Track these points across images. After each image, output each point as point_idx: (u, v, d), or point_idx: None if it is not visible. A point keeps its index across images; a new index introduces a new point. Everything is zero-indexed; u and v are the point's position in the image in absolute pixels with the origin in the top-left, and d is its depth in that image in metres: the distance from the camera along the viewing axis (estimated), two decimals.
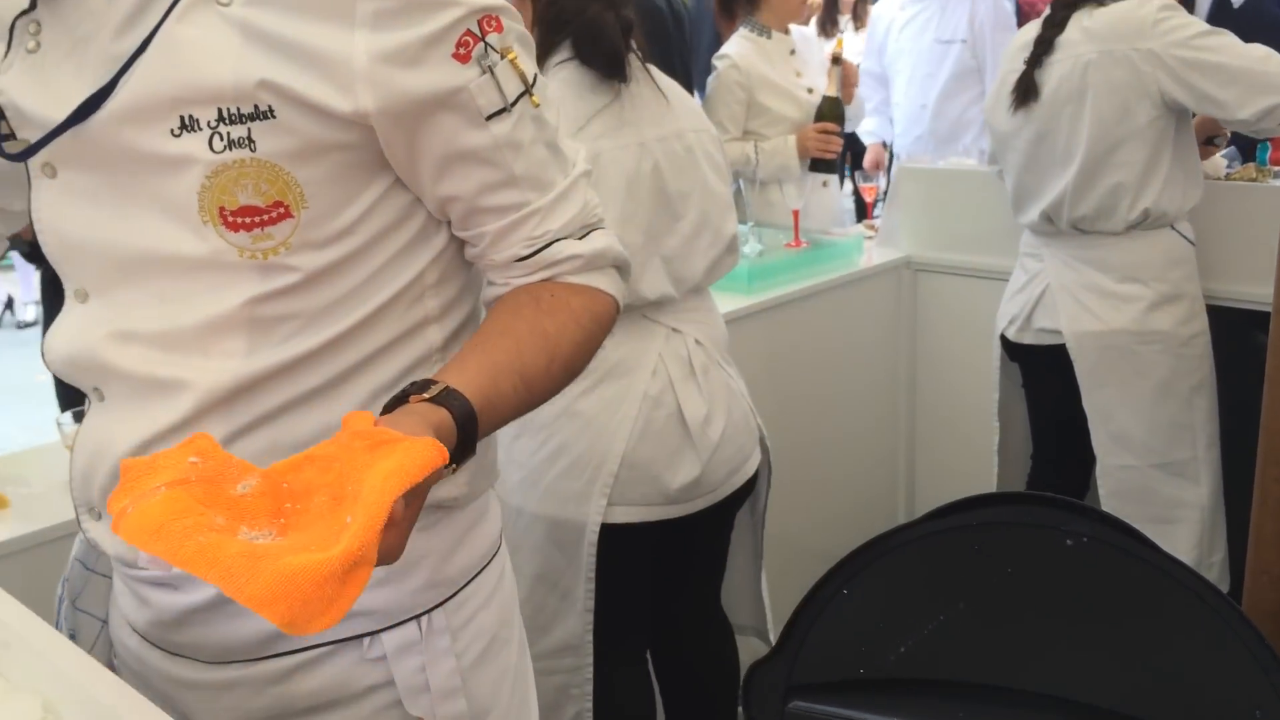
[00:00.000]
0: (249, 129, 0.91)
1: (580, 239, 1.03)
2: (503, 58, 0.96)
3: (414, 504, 0.79)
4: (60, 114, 0.95)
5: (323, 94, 0.91)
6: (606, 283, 1.05)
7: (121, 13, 0.93)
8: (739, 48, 3.10)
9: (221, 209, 0.93)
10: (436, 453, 0.76)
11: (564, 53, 1.75)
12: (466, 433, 0.86)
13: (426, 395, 0.86)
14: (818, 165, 3.01)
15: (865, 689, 1.26)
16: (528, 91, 0.98)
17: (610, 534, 1.78)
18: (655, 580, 1.89)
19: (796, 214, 2.82)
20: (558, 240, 1.01)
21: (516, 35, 0.98)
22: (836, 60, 3.00)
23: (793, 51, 3.16)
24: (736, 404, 1.87)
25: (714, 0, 3.33)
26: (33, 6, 0.97)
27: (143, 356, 0.97)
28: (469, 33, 0.93)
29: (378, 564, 0.73)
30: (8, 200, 1.12)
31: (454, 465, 0.85)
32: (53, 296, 2.37)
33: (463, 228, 1.03)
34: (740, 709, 1.76)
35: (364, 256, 0.99)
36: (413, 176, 0.99)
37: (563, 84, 1.73)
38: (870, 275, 2.92)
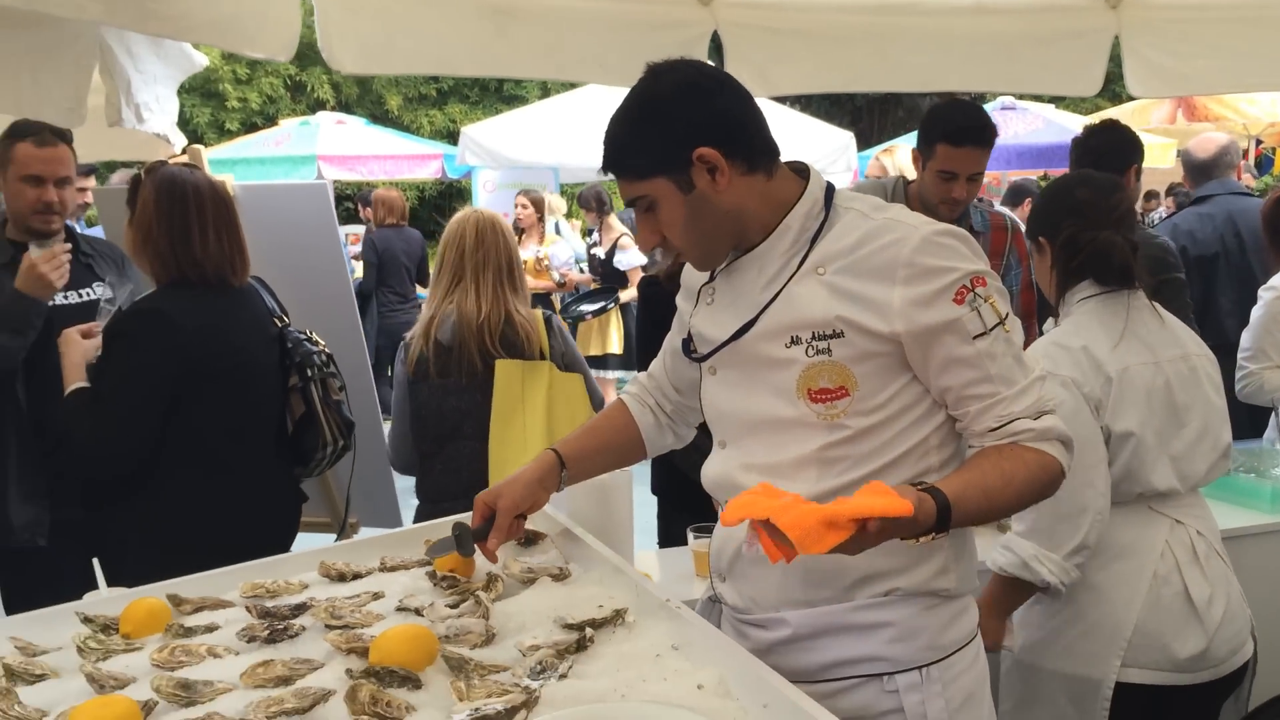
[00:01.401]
0: (829, 344, 1.56)
1: (1034, 419, 1.54)
2: (985, 301, 1.53)
3: (882, 532, 1.35)
4: (723, 335, 1.66)
5: (873, 323, 1.53)
6: (1052, 449, 1.55)
7: (764, 280, 1.62)
8: None
9: (809, 390, 1.58)
10: (903, 506, 1.33)
11: (1083, 291, 2.18)
12: (942, 514, 1.41)
13: (921, 487, 1.45)
14: None
15: None
16: (1001, 323, 1.54)
17: (1122, 693, 2.08)
18: None
19: None
20: (1018, 419, 1.54)
21: (995, 289, 1.56)
22: None
23: None
24: (1234, 590, 2.13)
25: (1263, 235, 3.50)
26: (711, 279, 1.71)
27: (756, 480, 1.60)
28: (963, 286, 1.53)
29: (842, 551, 1.33)
30: (692, 397, 1.85)
31: (933, 535, 1.42)
32: None
33: (954, 409, 1.59)
34: None
35: (891, 422, 1.58)
36: (924, 373, 1.57)
37: (1088, 315, 2.16)
38: None
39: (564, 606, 1.65)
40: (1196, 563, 2.10)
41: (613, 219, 8.45)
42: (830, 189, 1.64)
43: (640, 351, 3.17)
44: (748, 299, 1.64)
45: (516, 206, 8.55)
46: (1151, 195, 11.58)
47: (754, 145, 1.59)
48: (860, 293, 1.54)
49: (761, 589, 1.66)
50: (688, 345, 1.76)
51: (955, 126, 2.92)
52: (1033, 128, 10.40)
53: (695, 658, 1.46)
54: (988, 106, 10.96)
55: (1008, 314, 1.55)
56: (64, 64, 2.69)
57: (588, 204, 8.49)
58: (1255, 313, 3.27)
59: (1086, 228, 2.14)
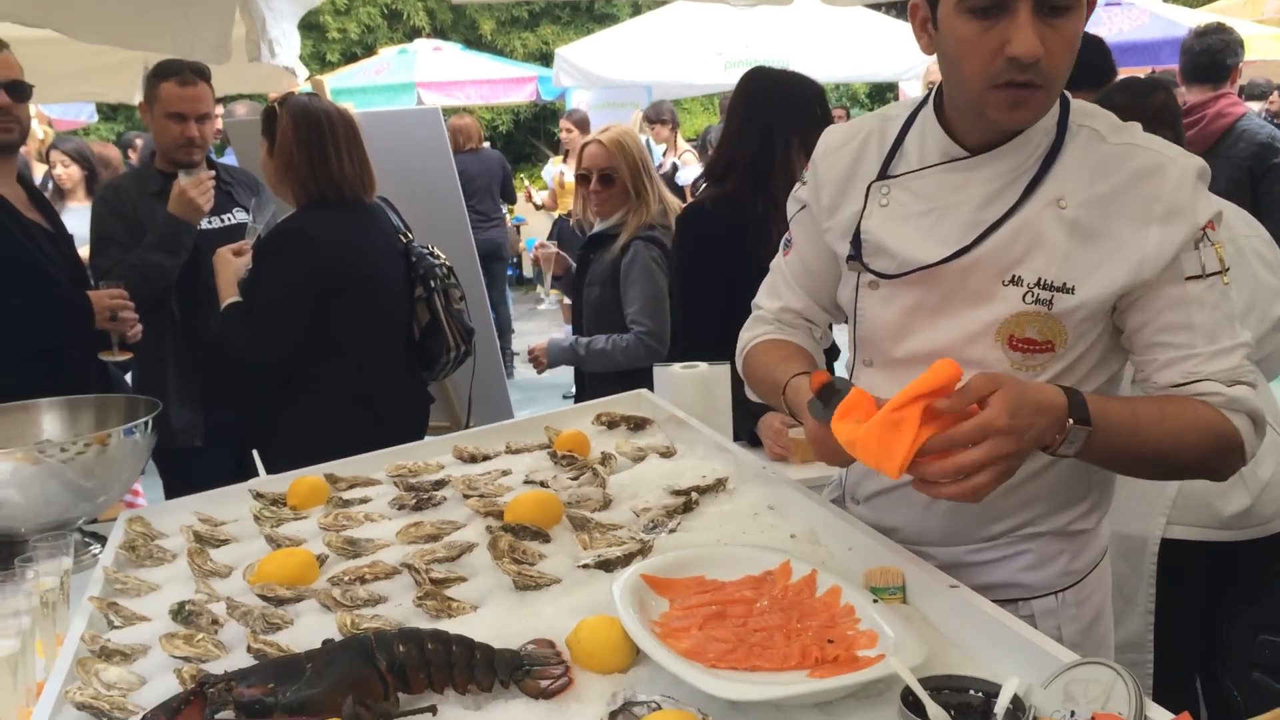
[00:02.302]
0: (1053, 295, 1.37)
1: (1227, 385, 1.35)
2: (1211, 245, 1.35)
3: (974, 426, 1.19)
4: (922, 254, 1.43)
5: (1116, 280, 1.33)
6: (1237, 420, 1.34)
7: (982, 195, 1.40)
8: None
9: (1011, 336, 1.40)
10: (947, 371, 1.20)
11: None
12: (1077, 412, 1.25)
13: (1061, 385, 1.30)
14: None
15: None
16: (1221, 272, 1.36)
17: (1169, 548, 2.23)
18: (1206, 608, 2.27)
19: None
20: (1207, 380, 1.35)
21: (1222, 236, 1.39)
22: None
23: None
24: None
25: None
26: (884, 176, 1.49)
27: None
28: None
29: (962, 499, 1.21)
30: (836, 310, 1.67)
31: (1072, 420, 1.24)
32: None
33: (1139, 354, 1.41)
34: None
35: (1075, 369, 1.43)
36: (1123, 314, 1.39)
37: None
38: None
39: (671, 477, 1.86)
40: None
41: (679, 137, 8.45)
42: (1066, 102, 1.43)
43: (684, 283, 2.88)
44: (958, 215, 1.44)
45: (560, 131, 8.58)
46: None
47: None
48: (1110, 235, 1.36)
49: (898, 522, 1.59)
50: (859, 251, 1.53)
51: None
52: (1139, 23, 10.07)
53: (789, 514, 1.66)
54: None
55: (1229, 266, 1.37)
56: (211, 5, 2.93)
57: (661, 117, 8.38)
58: None
59: None
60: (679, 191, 7.93)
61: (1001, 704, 1.00)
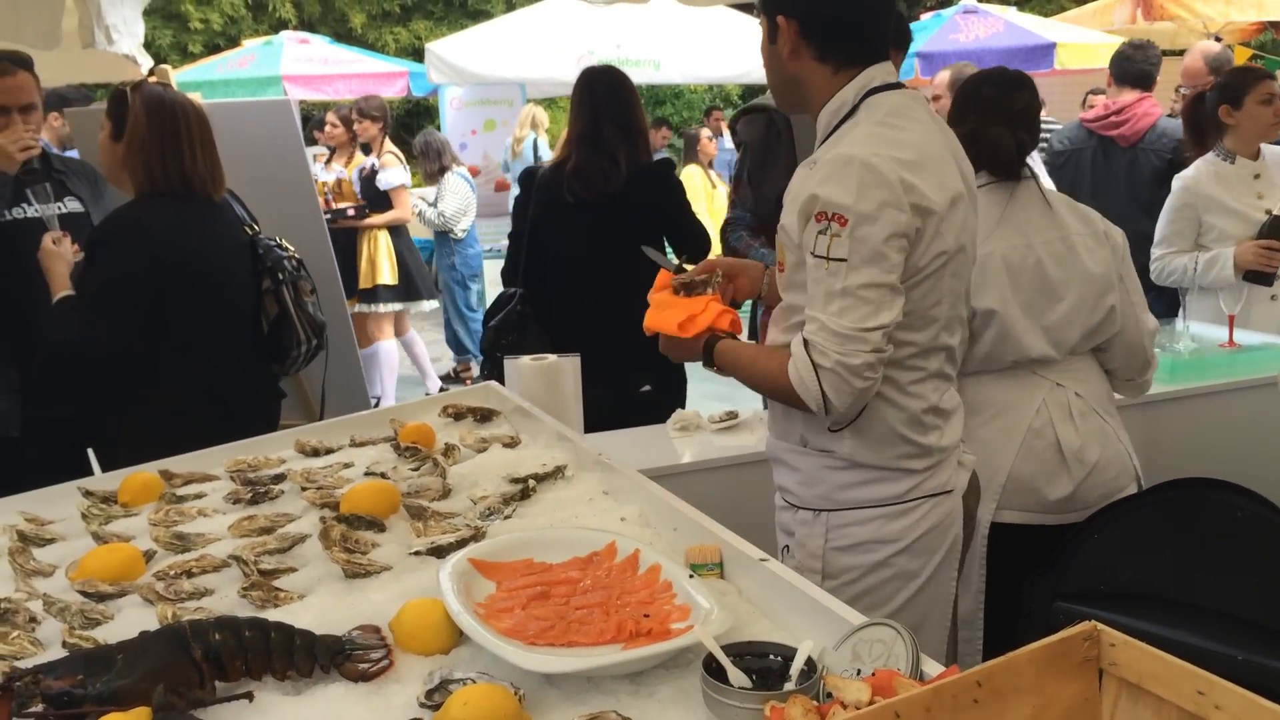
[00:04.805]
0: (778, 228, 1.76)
1: (799, 345, 1.75)
2: (826, 234, 1.72)
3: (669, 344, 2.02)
4: None
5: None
6: (790, 367, 1.74)
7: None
8: (1198, 172, 3.47)
9: (779, 261, 1.92)
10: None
11: (980, 179, 2.37)
12: (707, 356, 1.95)
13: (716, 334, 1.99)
14: (1253, 277, 3.27)
15: (1104, 597, 1.76)
16: (827, 259, 1.71)
17: (999, 531, 2.33)
18: None
19: (1232, 319, 3.13)
20: (797, 340, 1.77)
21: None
22: None
23: (1257, 176, 3.45)
24: (1111, 444, 2.36)
25: (1185, 129, 3.71)
26: None
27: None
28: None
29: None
30: None
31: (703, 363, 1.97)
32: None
33: None
34: None
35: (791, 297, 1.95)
36: None
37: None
38: None
39: (512, 466, 1.87)
40: (1070, 419, 2.34)
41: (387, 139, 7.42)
42: (872, 92, 1.82)
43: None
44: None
45: (326, 125, 7.69)
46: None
47: (832, 39, 1.82)
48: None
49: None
50: None
51: None
52: (993, 30, 10.47)
53: (621, 499, 1.70)
54: (949, 10, 11.03)
55: (842, 257, 1.69)
56: None
57: (370, 113, 7.32)
58: (1167, 201, 3.50)
59: (984, 123, 2.34)
60: (382, 197, 7.06)
61: (796, 665, 1.06)
